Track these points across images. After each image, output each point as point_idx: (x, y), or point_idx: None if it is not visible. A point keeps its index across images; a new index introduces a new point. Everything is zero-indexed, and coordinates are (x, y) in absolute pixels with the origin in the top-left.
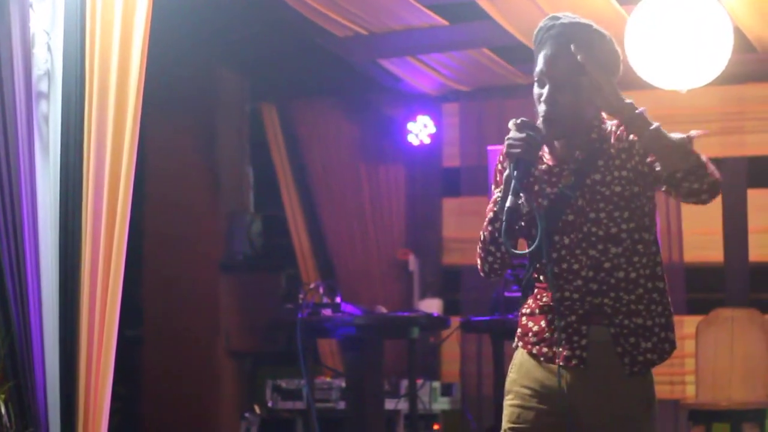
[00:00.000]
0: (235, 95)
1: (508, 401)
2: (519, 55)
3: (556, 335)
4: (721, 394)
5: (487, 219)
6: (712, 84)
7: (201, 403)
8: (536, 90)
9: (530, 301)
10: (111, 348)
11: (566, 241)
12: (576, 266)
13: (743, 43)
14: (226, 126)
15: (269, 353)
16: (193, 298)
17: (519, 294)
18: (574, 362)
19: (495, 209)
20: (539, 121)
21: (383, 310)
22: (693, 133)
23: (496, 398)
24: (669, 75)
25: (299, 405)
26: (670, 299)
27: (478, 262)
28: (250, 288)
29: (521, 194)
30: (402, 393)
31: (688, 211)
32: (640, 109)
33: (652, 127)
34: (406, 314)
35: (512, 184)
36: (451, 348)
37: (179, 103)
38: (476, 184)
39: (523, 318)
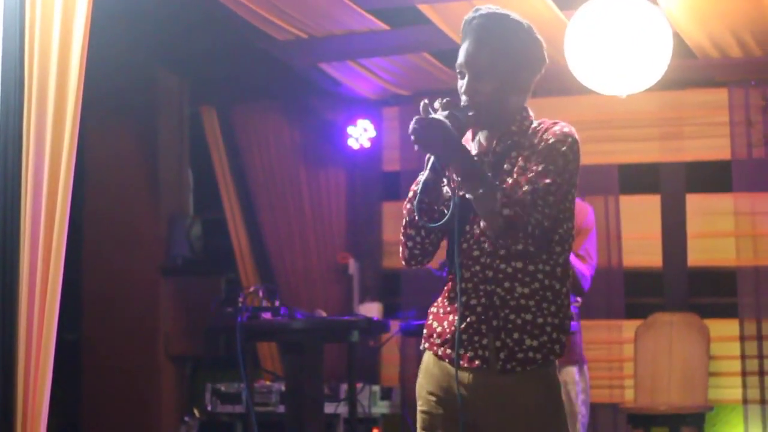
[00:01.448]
0: (175, 98)
1: (418, 407)
2: None
3: (456, 336)
4: (659, 398)
5: (407, 198)
6: (651, 89)
7: (140, 407)
8: (459, 82)
9: (439, 299)
10: (50, 352)
11: (476, 230)
12: (477, 253)
13: (682, 49)
14: (166, 129)
15: (209, 357)
16: (132, 302)
17: None
18: (477, 363)
19: (415, 188)
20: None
21: (323, 313)
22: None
23: None
24: (608, 80)
25: (239, 409)
26: (568, 303)
27: (400, 250)
28: (190, 291)
29: (443, 177)
30: (342, 397)
31: (627, 216)
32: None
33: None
34: (345, 318)
35: (430, 161)
36: (391, 352)
37: (119, 106)
38: None
39: (430, 317)
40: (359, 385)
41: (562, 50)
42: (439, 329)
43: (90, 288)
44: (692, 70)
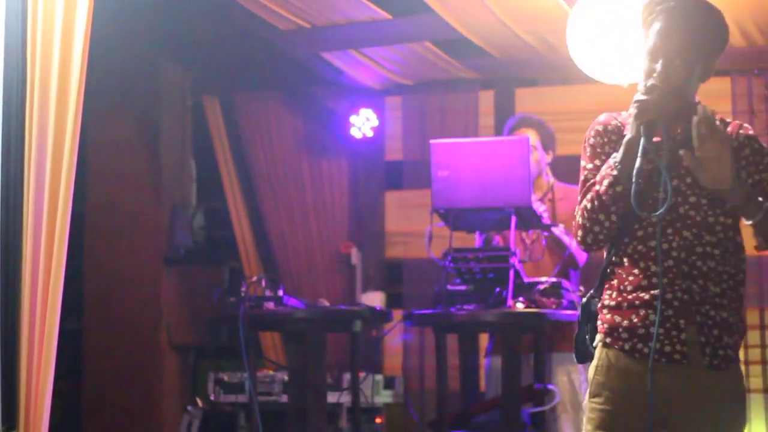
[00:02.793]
0: (177, 88)
1: (597, 404)
2: (461, 48)
3: (652, 330)
4: None
5: (605, 185)
6: None
7: (143, 397)
8: (647, 64)
9: (611, 293)
10: (52, 342)
11: (654, 219)
12: (666, 246)
13: None
14: (169, 119)
15: (212, 347)
16: (135, 292)
17: (463, 287)
18: (676, 357)
19: (614, 173)
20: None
21: (326, 303)
22: None
23: (439, 391)
24: (611, 69)
25: (242, 398)
26: (744, 306)
27: (579, 233)
28: (193, 281)
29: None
30: (344, 386)
31: None
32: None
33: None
34: (348, 308)
35: (641, 145)
36: (394, 341)
37: (121, 97)
38: (419, 178)
39: (606, 312)
40: (362, 375)
41: (564, 39)
42: (625, 323)
43: (92, 278)
44: None
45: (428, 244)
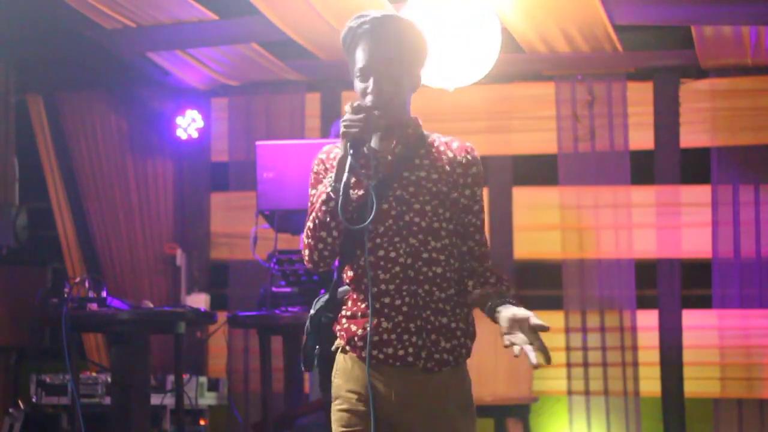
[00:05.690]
0: (0, 85)
1: (337, 406)
2: (288, 50)
3: (386, 337)
4: (485, 389)
5: (318, 203)
6: (479, 83)
7: None
8: (359, 85)
9: (349, 303)
10: None
11: (380, 229)
12: (393, 254)
13: (510, 43)
14: None
15: (34, 348)
16: None
17: (288, 289)
18: (410, 359)
19: (327, 191)
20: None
21: (150, 304)
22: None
23: (263, 393)
24: (437, 73)
25: (64, 400)
26: (471, 310)
27: (306, 252)
28: (15, 281)
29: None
30: (168, 388)
31: None
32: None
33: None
34: (172, 309)
35: (348, 162)
36: (218, 343)
37: None
38: (244, 179)
39: (345, 321)
40: (186, 377)
41: None
42: (360, 332)
43: None
44: (520, 64)
45: (253, 245)
